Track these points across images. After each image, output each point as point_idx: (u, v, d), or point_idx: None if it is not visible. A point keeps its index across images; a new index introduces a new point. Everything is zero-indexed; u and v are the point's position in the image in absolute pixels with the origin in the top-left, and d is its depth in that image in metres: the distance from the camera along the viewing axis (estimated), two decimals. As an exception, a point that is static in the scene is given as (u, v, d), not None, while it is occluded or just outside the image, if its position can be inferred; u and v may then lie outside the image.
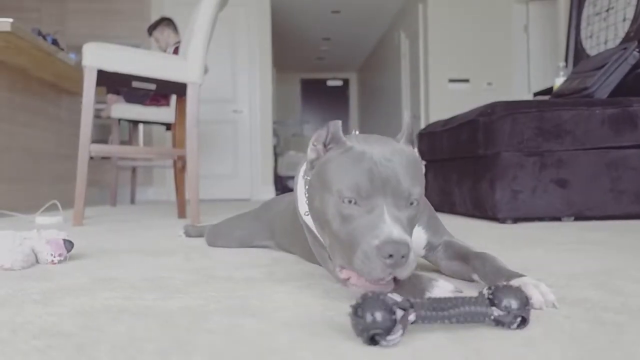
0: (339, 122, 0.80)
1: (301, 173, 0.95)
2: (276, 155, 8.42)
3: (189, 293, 0.90)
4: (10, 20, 2.65)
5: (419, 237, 0.96)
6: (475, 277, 0.90)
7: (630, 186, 2.20)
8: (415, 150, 0.85)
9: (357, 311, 0.57)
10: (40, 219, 2.48)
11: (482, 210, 2.36)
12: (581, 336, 0.62)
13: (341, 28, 8.86)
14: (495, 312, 0.61)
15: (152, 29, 4.48)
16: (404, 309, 0.58)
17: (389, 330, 0.56)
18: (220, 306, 0.80)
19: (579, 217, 2.24)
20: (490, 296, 0.63)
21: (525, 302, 0.63)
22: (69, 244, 1.27)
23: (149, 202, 5.19)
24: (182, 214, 2.98)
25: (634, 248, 1.39)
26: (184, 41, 2.68)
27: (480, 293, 0.64)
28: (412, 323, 0.59)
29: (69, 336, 0.65)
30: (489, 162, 2.29)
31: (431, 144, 3.09)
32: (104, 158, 5.54)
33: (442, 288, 0.74)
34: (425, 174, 3.29)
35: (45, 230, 1.30)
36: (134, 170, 4.72)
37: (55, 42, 3.54)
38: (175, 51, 4.05)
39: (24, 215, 2.80)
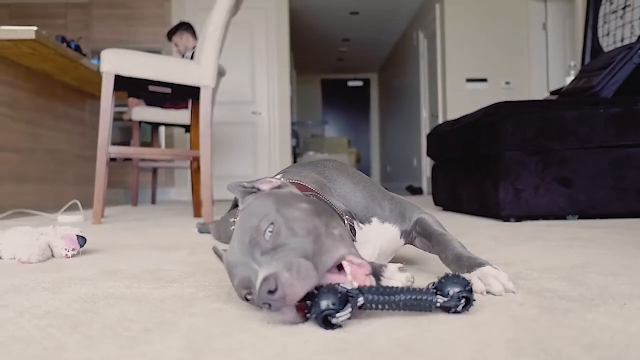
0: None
1: None
2: (296, 156, 8.51)
3: (183, 283, 0.98)
4: (35, 28, 2.79)
5: (390, 231, 1.01)
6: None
7: (635, 184, 2.21)
8: (297, 183, 0.87)
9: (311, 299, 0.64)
10: (62, 217, 2.60)
11: (487, 209, 2.39)
12: (526, 320, 0.67)
13: (360, 29, 8.92)
14: (440, 299, 0.67)
15: (171, 34, 4.62)
16: (352, 296, 0.64)
17: (338, 310, 0.62)
18: (209, 294, 0.88)
19: (584, 216, 2.26)
20: (434, 289, 0.69)
21: (466, 285, 0.68)
22: (81, 240, 1.36)
23: (170, 203, 5.33)
24: (197, 213, 3.08)
25: (623, 244, 1.42)
26: (198, 46, 2.78)
27: (427, 287, 0.70)
28: (361, 307, 0.65)
29: (67, 317, 0.73)
30: (493, 161, 2.33)
31: (440, 144, 3.13)
32: (126, 160, 5.71)
33: (393, 272, 0.80)
34: (436, 174, 3.34)
35: (60, 226, 1.40)
36: (155, 171, 4.86)
37: (78, 49, 3.68)
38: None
39: (47, 215, 2.93)
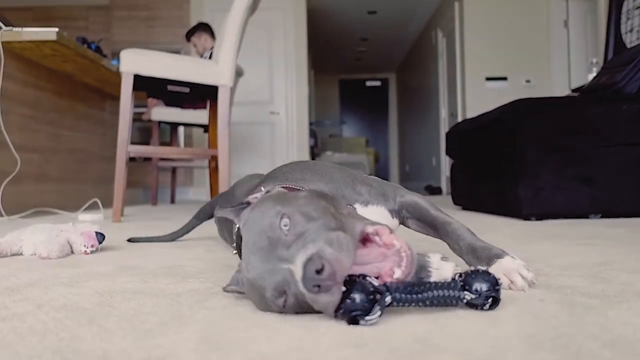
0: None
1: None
2: (314, 156, 8.51)
3: (199, 278, 0.98)
4: (56, 29, 2.83)
5: (376, 211, 0.96)
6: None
7: (659, 183, 2.17)
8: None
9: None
10: (82, 216, 2.63)
11: (507, 208, 2.36)
12: (546, 316, 0.66)
13: (378, 28, 8.89)
14: (468, 295, 0.66)
15: (190, 34, 4.66)
16: (380, 293, 0.63)
17: (367, 312, 0.61)
18: (224, 289, 0.87)
19: (607, 215, 2.22)
20: (462, 283, 0.67)
21: (494, 283, 0.67)
22: (100, 236, 1.37)
23: (189, 202, 5.36)
24: (215, 212, 3.09)
25: (647, 243, 1.39)
26: (216, 46, 2.80)
27: (453, 279, 0.68)
28: (388, 305, 0.64)
29: (84, 310, 0.73)
30: (512, 159, 2.29)
31: (459, 143, 3.10)
32: (145, 160, 5.77)
33: (440, 262, 0.78)
34: (454, 173, 3.30)
35: (79, 223, 1.42)
36: (173, 171, 4.90)
37: (98, 50, 3.72)
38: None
39: (68, 213, 2.97)
